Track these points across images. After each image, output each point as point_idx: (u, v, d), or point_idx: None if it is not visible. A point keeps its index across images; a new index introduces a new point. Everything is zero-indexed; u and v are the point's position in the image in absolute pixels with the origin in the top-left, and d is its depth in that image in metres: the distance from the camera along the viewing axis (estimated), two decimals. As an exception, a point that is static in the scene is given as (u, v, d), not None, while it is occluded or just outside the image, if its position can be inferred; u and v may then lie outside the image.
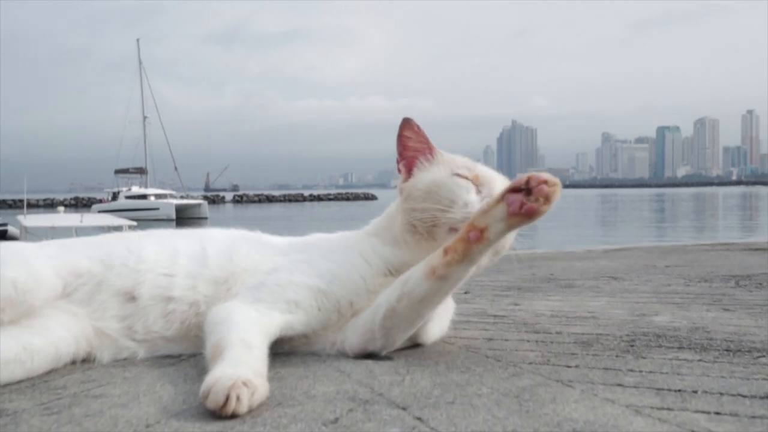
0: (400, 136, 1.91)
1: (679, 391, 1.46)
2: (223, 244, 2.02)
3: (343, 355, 1.82)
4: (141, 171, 59.28)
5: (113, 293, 1.85)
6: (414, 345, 1.91)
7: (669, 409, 1.33)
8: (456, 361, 1.75)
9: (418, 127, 1.91)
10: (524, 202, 1.53)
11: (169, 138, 59.71)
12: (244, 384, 1.34)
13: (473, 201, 1.78)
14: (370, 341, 1.78)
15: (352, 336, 1.81)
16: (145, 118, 60.83)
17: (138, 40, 61.76)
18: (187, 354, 1.85)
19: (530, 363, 1.73)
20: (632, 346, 1.93)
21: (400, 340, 1.80)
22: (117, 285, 1.86)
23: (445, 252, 1.63)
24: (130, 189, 52.37)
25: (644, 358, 1.78)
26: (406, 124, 1.91)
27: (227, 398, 1.31)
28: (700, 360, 1.75)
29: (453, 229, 1.76)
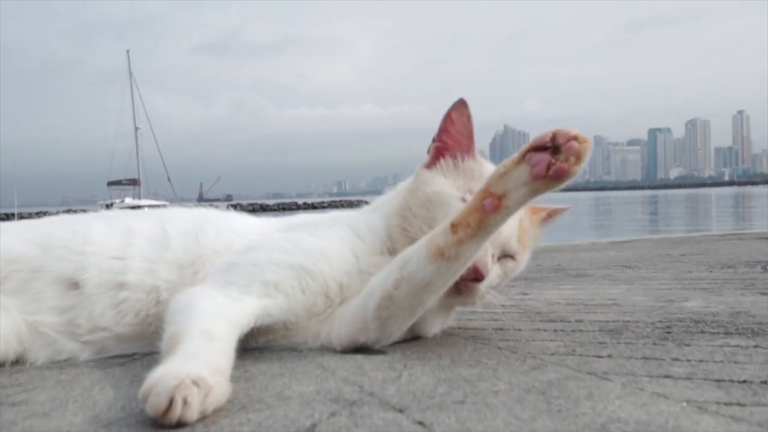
0: (448, 116, 1.64)
1: (745, 382, 1.17)
2: (188, 223, 1.72)
3: (328, 349, 1.53)
4: (134, 182, 58.87)
5: (51, 280, 1.55)
6: (411, 338, 1.62)
7: (740, 404, 1.04)
8: (463, 354, 1.46)
9: (469, 118, 1.63)
10: (551, 161, 1.25)
11: (162, 149, 59.38)
12: (195, 383, 1.04)
13: None
14: (361, 333, 1.49)
15: (340, 327, 1.52)
16: (136, 129, 60.46)
17: (128, 51, 61.40)
18: (143, 353, 1.55)
19: (552, 354, 1.43)
20: (669, 332, 1.64)
21: (398, 332, 1.51)
22: (56, 270, 1.55)
23: (455, 228, 1.34)
24: (123, 201, 51.94)
25: (688, 345, 1.48)
26: (459, 106, 1.63)
27: (171, 402, 1.01)
28: (756, 346, 1.45)
29: None
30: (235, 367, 1.34)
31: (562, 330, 1.72)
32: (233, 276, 1.52)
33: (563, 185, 1.28)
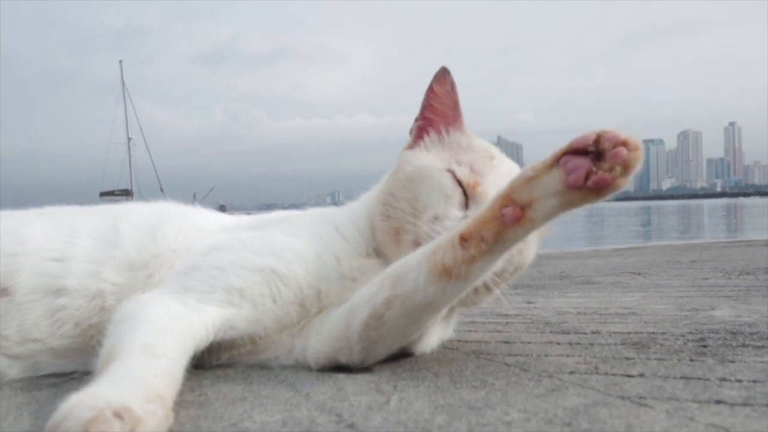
0: (429, 90, 1.43)
1: (820, 409, 0.93)
2: (144, 218, 1.48)
3: (303, 366, 1.29)
4: (126, 193, 58.56)
5: None
6: (402, 354, 1.37)
7: (827, 440, 0.80)
8: (464, 373, 1.22)
9: (453, 86, 1.43)
10: (592, 170, 1.01)
11: (156, 159, 59.19)
12: (117, 415, 0.80)
13: (448, 216, 1.27)
14: (342, 352, 1.25)
15: (319, 343, 1.27)
16: (129, 139, 60.24)
17: (121, 61, 61.15)
18: (83, 371, 1.30)
19: (571, 372, 1.19)
20: (705, 346, 1.40)
21: (386, 353, 1.27)
22: None
23: (464, 243, 1.10)
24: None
25: (732, 362, 1.24)
26: (441, 76, 1.42)
27: (83, 440, 0.76)
28: (815, 363, 1.22)
29: (417, 244, 1.26)
30: (189, 390, 1.11)
31: (578, 343, 1.48)
32: (192, 280, 1.28)
33: (604, 200, 1.04)
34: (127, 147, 60.07)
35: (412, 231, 1.30)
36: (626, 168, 1.01)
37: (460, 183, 1.30)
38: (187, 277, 1.30)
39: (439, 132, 1.42)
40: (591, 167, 1.02)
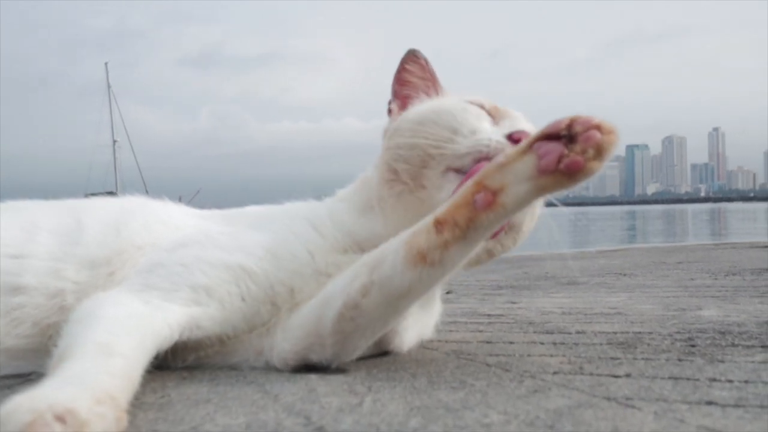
0: (400, 71, 1.39)
1: (818, 410, 0.88)
2: (109, 213, 1.42)
3: (272, 368, 1.22)
4: (111, 195, 58.08)
5: None
6: (379, 353, 1.31)
7: (826, 443, 0.75)
8: (443, 373, 1.16)
9: (426, 61, 1.39)
10: (564, 153, 0.98)
11: (143, 162, 58.81)
12: (59, 419, 0.73)
13: (485, 129, 1.22)
14: (314, 348, 1.19)
15: (286, 341, 1.21)
16: (114, 141, 59.75)
17: (106, 63, 60.65)
18: (42, 372, 1.22)
19: (555, 372, 1.14)
20: (693, 346, 1.35)
21: (362, 348, 1.20)
22: None
23: (439, 227, 1.06)
24: (98, 213, 51.07)
25: (722, 362, 1.19)
26: (411, 56, 1.38)
27: (20, 446, 0.70)
28: (807, 362, 1.17)
29: (453, 170, 1.20)
30: (151, 391, 1.05)
31: (563, 343, 1.43)
32: (156, 278, 1.22)
33: (577, 184, 1.01)
34: (113, 149, 59.56)
35: (442, 158, 1.21)
36: (600, 151, 0.98)
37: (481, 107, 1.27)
38: (150, 274, 1.24)
39: (428, 95, 1.38)
40: (563, 151, 0.98)
